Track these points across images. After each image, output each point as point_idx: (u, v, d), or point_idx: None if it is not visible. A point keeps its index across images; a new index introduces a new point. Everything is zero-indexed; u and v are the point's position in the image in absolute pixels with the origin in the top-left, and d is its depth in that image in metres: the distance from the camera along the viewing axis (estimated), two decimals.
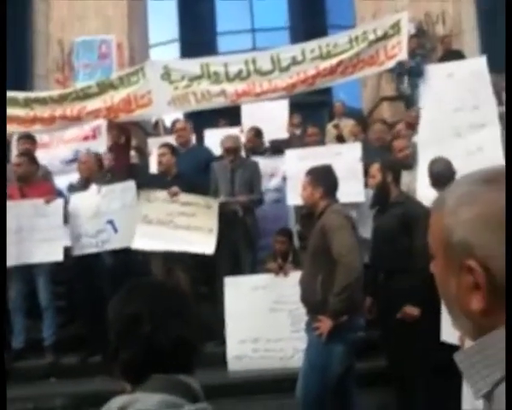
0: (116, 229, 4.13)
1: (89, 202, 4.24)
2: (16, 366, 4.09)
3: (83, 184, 4.40)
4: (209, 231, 3.93)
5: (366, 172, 3.74)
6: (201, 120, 7.81)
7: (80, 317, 4.40)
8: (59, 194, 4.71)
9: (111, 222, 4.14)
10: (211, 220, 3.96)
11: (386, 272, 2.98)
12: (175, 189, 4.05)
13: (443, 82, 4.58)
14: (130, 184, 4.22)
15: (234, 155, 4.27)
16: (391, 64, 5.91)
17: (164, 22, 12.35)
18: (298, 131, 5.94)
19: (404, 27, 5.86)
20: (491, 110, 4.20)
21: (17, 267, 4.13)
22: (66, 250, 4.24)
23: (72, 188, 4.60)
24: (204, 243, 3.92)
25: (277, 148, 5.63)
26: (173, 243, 3.94)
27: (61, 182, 5.08)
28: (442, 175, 3.18)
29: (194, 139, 6.30)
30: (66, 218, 4.36)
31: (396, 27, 5.86)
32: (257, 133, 5.26)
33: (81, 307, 4.31)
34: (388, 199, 3.05)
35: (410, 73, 6.26)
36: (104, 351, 0.99)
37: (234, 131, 5.39)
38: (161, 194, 4.08)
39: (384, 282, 3.01)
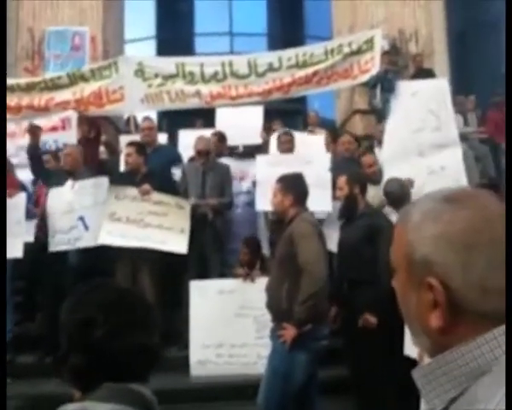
0: (87, 226, 4.03)
1: (64, 197, 4.12)
2: None
3: (64, 177, 4.23)
4: (181, 231, 3.88)
5: (334, 184, 3.80)
6: (177, 119, 7.73)
7: (40, 315, 4.24)
8: (22, 187, 4.54)
9: (82, 219, 4.03)
10: (182, 221, 3.90)
11: (350, 282, 3.03)
12: (146, 186, 3.97)
13: (409, 100, 4.73)
14: (103, 181, 4.11)
15: (206, 157, 4.24)
16: (364, 78, 6.04)
17: (141, 18, 12.16)
18: (271, 138, 5.97)
19: (378, 43, 6.01)
20: (453, 131, 4.37)
21: None
22: (27, 245, 4.10)
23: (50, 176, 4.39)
24: (176, 242, 3.85)
25: (249, 153, 5.64)
26: (143, 241, 3.85)
27: (26, 175, 4.90)
28: (395, 195, 3.30)
29: (166, 138, 6.22)
30: (29, 212, 4.21)
31: (370, 43, 6.01)
32: (220, 138, 5.24)
33: (42, 304, 4.16)
34: (356, 211, 3.11)
35: (383, 87, 6.43)
36: (55, 354, 0.93)
37: (207, 133, 5.35)
38: (131, 191, 3.99)
39: (348, 292, 3.05)
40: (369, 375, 2.87)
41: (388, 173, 3.76)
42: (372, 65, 5.97)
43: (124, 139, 6.07)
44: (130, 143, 4.31)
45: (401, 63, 7.54)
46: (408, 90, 5.03)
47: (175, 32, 13.22)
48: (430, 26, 7.96)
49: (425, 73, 6.99)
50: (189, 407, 3.34)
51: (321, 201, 3.93)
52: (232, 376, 3.60)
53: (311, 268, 2.55)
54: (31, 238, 4.19)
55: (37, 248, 4.11)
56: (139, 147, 4.25)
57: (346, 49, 5.94)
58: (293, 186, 2.82)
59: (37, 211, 4.26)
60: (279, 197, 2.80)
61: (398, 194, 3.29)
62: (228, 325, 3.71)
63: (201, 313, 3.77)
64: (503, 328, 0.60)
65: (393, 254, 0.70)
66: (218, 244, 4.13)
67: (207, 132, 5.36)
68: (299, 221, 2.70)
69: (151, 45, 13.19)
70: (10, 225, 3.99)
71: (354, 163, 4.35)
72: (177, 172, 4.65)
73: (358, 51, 5.95)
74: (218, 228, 4.11)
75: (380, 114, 6.82)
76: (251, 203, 4.69)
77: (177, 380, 3.54)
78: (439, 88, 4.83)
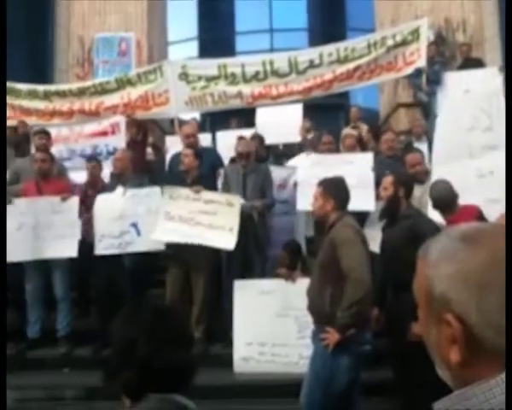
0: (139, 232, 4.20)
1: (114, 203, 4.29)
2: (31, 355, 4.21)
3: (115, 181, 4.44)
4: (230, 229, 3.96)
5: (377, 183, 3.74)
6: (213, 118, 7.88)
7: (96, 310, 4.47)
8: (75, 188, 4.81)
9: (135, 225, 4.20)
10: (232, 219, 3.97)
11: (394, 286, 2.98)
12: (198, 187, 4.10)
13: (459, 97, 4.52)
14: (156, 190, 4.28)
15: (247, 159, 4.29)
16: (409, 70, 5.88)
17: (183, 20, 12.41)
18: (310, 136, 5.94)
19: (424, 34, 5.82)
20: (503, 132, 4.16)
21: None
22: (82, 243, 4.33)
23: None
24: (224, 240, 3.94)
25: (290, 152, 5.66)
26: (194, 238, 3.98)
27: (80, 177, 5.17)
28: (441, 199, 3.19)
29: (209, 139, 6.34)
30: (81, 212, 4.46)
31: (415, 34, 5.83)
32: (260, 141, 5.28)
33: (97, 301, 4.39)
34: (398, 213, 3.05)
35: (428, 79, 6.22)
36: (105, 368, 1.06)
37: (245, 133, 5.41)
38: (184, 191, 4.13)
39: (391, 295, 3.01)
40: (414, 379, 2.83)
41: (437, 174, 3.63)
42: (418, 56, 5.80)
43: (170, 140, 6.28)
44: (189, 146, 4.46)
45: (448, 53, 7.25)
46: (457, 84, 4.83)
47: (216, 32, 13.40)
48: (479, 12, 7.59)
49: (473, 63, 6.68)
50: (232, 403, 3.42)
51: (364, 201, 3.89)
52: (274, 374, 3.65)
53: (354, 275, 2.53)
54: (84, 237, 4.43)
55: (87, 246, 4.33)
56: (196, 151, 4.40)
57: (390, 42, 5.80)
58: (335, 190, 2.79)
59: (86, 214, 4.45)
60: (320, 201, 2.79)
61: (443, 198, 3.18)
62: (270, 324, 3.75)
63: (244, 311, 3.84)
64: None
65: (415, 287, 0.73)
66: (259, 246, 4.19)
67: (245, 132, 5.41)
68: (341, 226, 2.68)
69: (193, 46, 13.45)
70: (64, 226, 4.26)
71: (398, 162, 4.25)
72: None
73: (403, 43, 5.80)
74: (258, 230, 4.17)
75: (425, 108, 6.62)
76: (287, 212, 4.70)
77: (221, 376, 3.64)
78: (493, 86, 4.59)
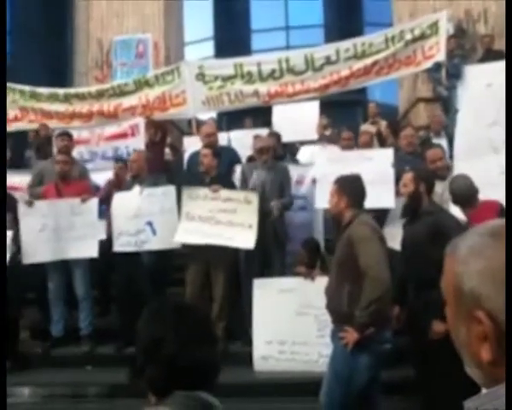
0: (155, 231, 4.26)
1: (131, 202, 4.36)
2: (54, 353, 4.31)
3: (131, 182, 4.50)
4: (249, 226, 3.98)
5: (397, 180, 3.68)
6: (229, 117, 7.90)
7: (116, 308, 4.54)
8: (96, 190, 4.89)
9: (150, 224, 4.26)
10: (251, 216, 3.99)
11: (416, 284, 2.94)
12: (216, 186, 4.12)
13: (481, 91, 4.40)
14: (171, 189, 4.33)
15: (267, 154, 4.26)
16: (428, 64, 5.77)
17: (199, 20, 12.47)
18: (327, 133, 5.90)
19: (443, 27, 5.71)
20: None
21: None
22: (103, 242, 4.40)
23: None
24: (244, 238, 3.96)
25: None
26: (215, 238, 4.01)
27: (101, 177, 5.25)
28: (461, 194, 3.12)
29: (226, 138, 6.35)
30: (103, 213, 4.54)
31: (434, 27, 5.72)
32: (277, 139, 5.26)
33: (118, 299, 4.45)
34: (419, 209, 3.00)
35: (448, 73, 6.09)
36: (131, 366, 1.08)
37: (262, 132, 5.40)
38: (202, 191, 4.16)
39: (413, 292, 2.97)
40: (435, 377, 2.79)
41: (459, 170, 3.56)
42: (437, 50, 5.68)
43: (188, 140, 6.32)
44: (207, 146, 4.48)
45: (468, 46, 7.09)
46: (478, 78, 4.70)
47: (232, 31, 13.43)
48: (501, 1, 7.40)
49: (496, 55, 6.51)
50: (251, 401, 3.43)
51: (383, 197, 3.84)
52: (294, 372, 3.65)
53: (372, 273, 2.51)
54: (104, 236, 4.51)
55: (110, 245, 4.40)
56: (215, 150, 4.41)
57: (409, 36, 5.70)
58: (349, 188, 2.78)
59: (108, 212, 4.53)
60: (335, 198, 2.79)
61: (464, 193, 3.12)
62: (289, 322, 3.75)
63: (264, 310, 3.85)
64: None
65: (443, 284, 0.72)
66: (278, 244, 4.18)
67: (260, 132, 5.40)
68: (358, 224, 2.67)
69: (209, 46, 13.51)
70: (84, 227, 4.33)
71: (418, 158, 4.18)
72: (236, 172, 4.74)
73: (422, 37, 5.70)
74: (278, 228, 4.16)
75: (445, 103, 6.50)
76: (305, 208, 4.68)
77: (241, 375, 3.65)
78: None
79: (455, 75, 6.20)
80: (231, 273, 4.22)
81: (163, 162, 5.83)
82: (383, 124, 6.33)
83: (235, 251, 4.14)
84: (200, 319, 1.12)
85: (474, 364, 0.66)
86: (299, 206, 4.68)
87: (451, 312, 0.70)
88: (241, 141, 5.62)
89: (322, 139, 5.73)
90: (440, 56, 5.64)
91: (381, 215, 3.64)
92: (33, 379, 4.01)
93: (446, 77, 6.16)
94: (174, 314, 1.09)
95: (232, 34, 13.27)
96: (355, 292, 2.56)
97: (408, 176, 3.11)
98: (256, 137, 4.83)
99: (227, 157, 4.71)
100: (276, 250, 4.19)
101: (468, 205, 3.14)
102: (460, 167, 3.60)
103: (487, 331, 0.63)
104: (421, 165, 3.87)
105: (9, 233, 4.30)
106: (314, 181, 4.44)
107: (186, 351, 1.02)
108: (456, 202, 3.19)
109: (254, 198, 4.03)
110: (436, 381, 2.80)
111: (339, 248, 2.74)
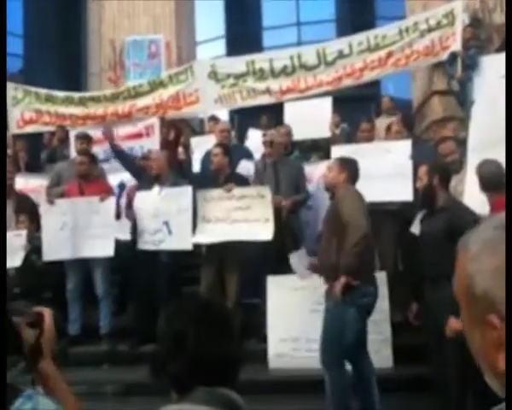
0: (171, 230, 4.28)
1: (151, 201, 4.40)
2: (71, 352, 4.34)
3: (151, 182, 4.51)
4: (265, 220, 3.98)
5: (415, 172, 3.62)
6: (243, 115, 7.88)
7: (134, 307, 4.56)
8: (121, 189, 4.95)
9: (166, 223, 4.29)
10: (265, 210, 3.99)
11: (432, 280, 2.89)
12: (229, 185, 4.12)
13: (497, 82, 4.29)
14: (187, 189, 4.34)
15: (271, 147, 4.23)
16: (444, 55, 5.68)
17: (210, 19, 12.47)
18: (337, 131, 5.83)
19: (459, 16, 5.61)
20: None
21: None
22: (120, 242, 4.42)
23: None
24: (262, 232, 3.97)
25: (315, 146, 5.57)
26: (232, 236, 4.02)
27: (115, 179, 5.29)
28: (491, 178, 2.99)
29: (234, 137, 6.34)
30: (119, 214, 4.57)
31: (450, 16, 5.63)
32: (287, 132, 5.22)
33: (136, 298, 4.47)
34: (434, 203, 2.95)
35: (464, 64, 5.97)
36: (151, 363, 1.07)
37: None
38: (216, 192, 4.16)
39: (429, 288, 2.92)
40: (452, 374, 2.74)
41: (472, 161, 3.47)
42: (453, 40, 5.59)
43: (195, 141, 6.34)
44: (218, 144, 4.46)
45: (484, 36, 6.94)
46: (494, 68, 4.59)
47: (243, 29, 13.40)
48: None
49: None
50: (266, 399, 3.41)
51: (401, 190, 3.78)
52: (309, 369, 3.62)
53: (352, 220, 2.83)
54: (121, 236, 4.54)
55: (131, 244, 4.42)
56: (226, 148, 4.38)
57: (424, 26, 5.60)
58: (349, 165, 3.07)
59: (129, 212, 4.56)
60: (335, 172, 3.06)
61: (494, 176, 2.94)
62: (303, 320, 3.73)
63: (278, 307, 3.83)
64: None
65: (456, 284, 0.64)
66: (294, 241, 4.16)
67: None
68: (344, 188, 3.00)
69: (220, 44, 13.50)
70: (101, 226, 4.37)
71: (434, 151, 4.11)
72: (248, 168, 4.72)
73: (438, 26, 5.60)
74: (292, 225, 4.14)
75: (460, 95, 6.37)
76: (311, 207, 4.63)
77: (256, 372, 3.63)
78: None
79: (471, 66, 6.08)
80: (245, 271, 4.22)
81: (177, 161, 5.85)
82: (395, 118, 6.23)
83: (248, 249, 4.13)
84: (223, 316, 1.11)
85: (491, 374, 0.59)
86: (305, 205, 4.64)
87: (465, 316, 0.62)
88: (258, 140, 5.58)
89: (335, 137, 5.64)
90: (456, 46, 5.54)
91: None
92: None
93: (462, 68, 6.04)
94: (197, 310, 1.09)
95: (243, 31, 13.24)
96: (340, 241, 2.86)
97: (423, 169, 3.06)
98: (265, 134, 4.80)
99: (239, 155, 4.70)
100: (292, 247, 4.16)
101: (496, 190, 3.00)
102: (474, 160, 3.51)
103: (503, 338, 0.55)
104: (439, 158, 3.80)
105: (24, 233, 4.37)
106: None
107: (209, 346, 1.01)
108: (485, 187, 3.03)
109: (267, 192, 4.02)
110: (451, 378, 2.75)
111: (327, 211, 3.10)
